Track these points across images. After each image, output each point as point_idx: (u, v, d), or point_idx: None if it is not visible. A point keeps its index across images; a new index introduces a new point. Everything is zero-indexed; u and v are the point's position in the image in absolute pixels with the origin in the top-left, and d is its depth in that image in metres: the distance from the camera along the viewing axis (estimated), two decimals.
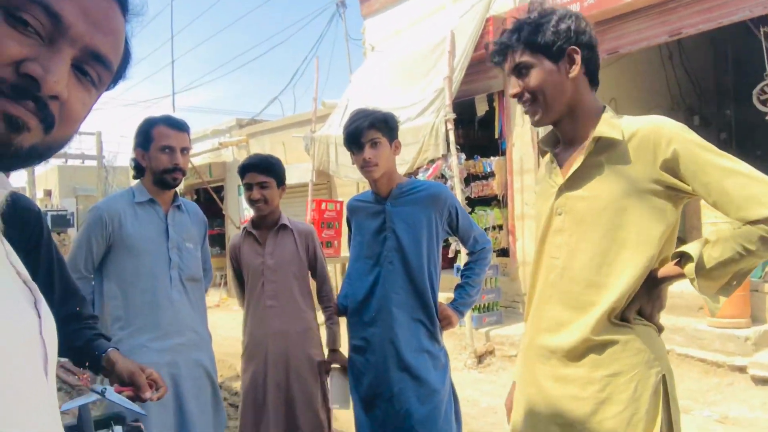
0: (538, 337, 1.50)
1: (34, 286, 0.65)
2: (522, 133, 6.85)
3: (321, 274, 2.75)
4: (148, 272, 2.26)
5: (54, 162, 19.57)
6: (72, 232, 21.59)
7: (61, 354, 1.66)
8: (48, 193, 20.09)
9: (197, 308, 2.42)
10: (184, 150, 2.34)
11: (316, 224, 7.33)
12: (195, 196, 14.50)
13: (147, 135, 2.31)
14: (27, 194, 19.85)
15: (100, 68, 0.61)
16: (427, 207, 2.32)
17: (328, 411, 2.60)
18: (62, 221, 21.87)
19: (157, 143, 2.28)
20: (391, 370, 2.24)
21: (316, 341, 2.65)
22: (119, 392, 1.57)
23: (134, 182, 2.43)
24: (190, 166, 11.36)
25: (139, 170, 2.37)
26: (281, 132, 10.53)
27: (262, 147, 10.55)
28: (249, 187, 2.59)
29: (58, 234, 21.26)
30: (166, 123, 2.33)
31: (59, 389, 1.65)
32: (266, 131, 11.25)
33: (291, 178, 8.90)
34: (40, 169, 19.55)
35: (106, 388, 1.59)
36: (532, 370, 1.51)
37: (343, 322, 2.59)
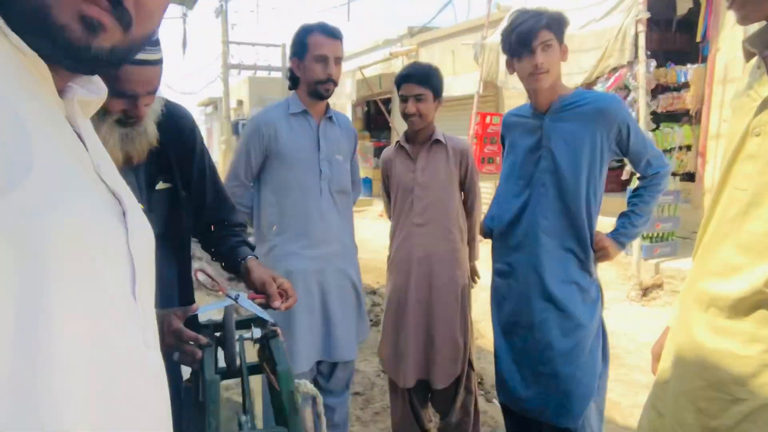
0: (702, 280, 1.26)
1: (126, 197, 0.62)
2: (732, 35, 5.76)
3: (472, 193, 2.64)
4: (299, 183, 2.34)
5: (245, 74, 21.33)
6: None
7: (212, 258, 1.81)
8: (240, 103, 22.11)
9: (345, 220, 2.48)
10: (338, 60, 2.31)
11: (479, 139, 7.09)
12: (366, 108, 14.90)
13: (302, 44, 2.31)
14: (222, 105, 22.08)
15: None
16: (592, 123, 2.04)
17: (466, 335, 2.57)
18: None
19: (312, 52, 2.27)
20: (534, 299, 2.11)
21: (461, 263, 2.59)
22: (252, 299, 1.66)
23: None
24: (360, 78, 11.65)
25: (293, 81, 2.40)
26: (452, 40, 10.17)
27: (431, 56, 10.33)
28: (404, 100, 2.50)
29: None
30: (321, 31, 2.29)
31: (196, 289, 1.78)
32: (437, 39, 10.94)
33: (456, 90, 8.70)
34: (234, 80, 21.44)
35: (239, 294, 1.70)
36: (687, 317, 1.29)
37: (487, 245, 2.48)
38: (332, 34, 2.30)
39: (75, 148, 0.56)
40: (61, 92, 0.58)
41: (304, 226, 2.36)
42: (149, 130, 1.47)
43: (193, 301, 1.72)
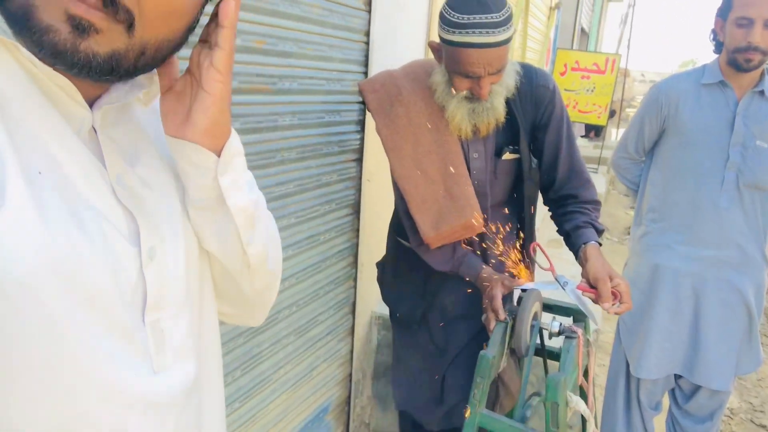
0: None
1: (147, 212, 0.56)
2: None
3: None
4: (695, 167, 1.94)
5: None
6: None
7: (558, 232, 1.72)
8: None
9: (753, 222, 1.94)
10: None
11: None
12: None
13: (727, 0, 1.84)
14: None
15: None
16: None
17: None
18: None
19: (735, 13, 1.78)
20: None
21: None
22: (581, 291, 1.54)
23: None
24: None
25: (718, 45, 1.94)
26: None
27: None
28: None
29: None
30: None
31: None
32: None
33: None
34: None
35: (568, 282, 1.59)
36: None
37: None
38: None
39: (69, 170, 0.49)
40: (98, 99, 0.54)
41: (689, 218, 1.97)
42: (496, 105, 1.48)
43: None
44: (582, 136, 11.01)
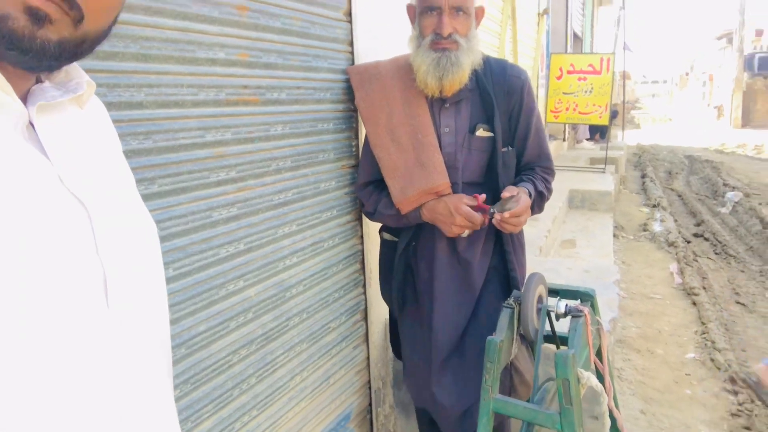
0: None
1: (98, 200, 0.57)
2: None
3: None
4: None
5: None
6: None
7: None
8: (759, 33, 18.55)
9: None
10: None
11: None
12: None
13: None
14: (736, 36, 18.96)
15: None
16: None
17: None
18: None
19: None
20: None
21: None
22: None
23: None
24: None
25: None
26: None
27: None
28: None
29: (765, 78, 19.69)
30: None
31: None
32: None
33: None
34: (752, 7, 18.03)
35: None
36: None
37: None
38: None
39: (12, 163, 0.51)
40: (30, 94, 0.57)
41: None
42: (462, 61, 1.57)
43: None
44: (587, 139, 11.01)
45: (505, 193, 1.55)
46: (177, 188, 1.28)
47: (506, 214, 1.54)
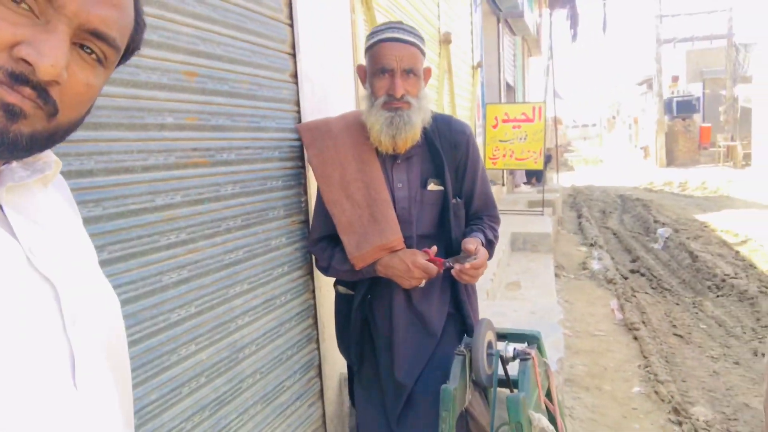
0: None
1: (68, 280, 0.58)
2: None
3: None
4: None
5: (681, 46, 19.21)
6: (697, 118, 21.09)
7: None
8: (675, 79, 20.08)
9: None
10: None
11: None
12: None
13: None
14: (655, 82, 20.48)
15: (103, 46, 0.56)
16: None
17: None
18: (687, 107, 21.44)
19: None
20: None
21: None
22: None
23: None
24: None
25: None
26: None
27: None
28: None
29: (683, 120, 21.20)
30: None
31: None
32: None
33: None
34: (668, 56, 19.60)
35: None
36: None
37: None
38: None
39: None
40: None
41: None
42: (414, 120, 1.64)
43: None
44: (525, 183, 11.44)
45: (470, 246, 1.59)
46: (126, 254, 1.27)
47: (467, 265, 1.59)
